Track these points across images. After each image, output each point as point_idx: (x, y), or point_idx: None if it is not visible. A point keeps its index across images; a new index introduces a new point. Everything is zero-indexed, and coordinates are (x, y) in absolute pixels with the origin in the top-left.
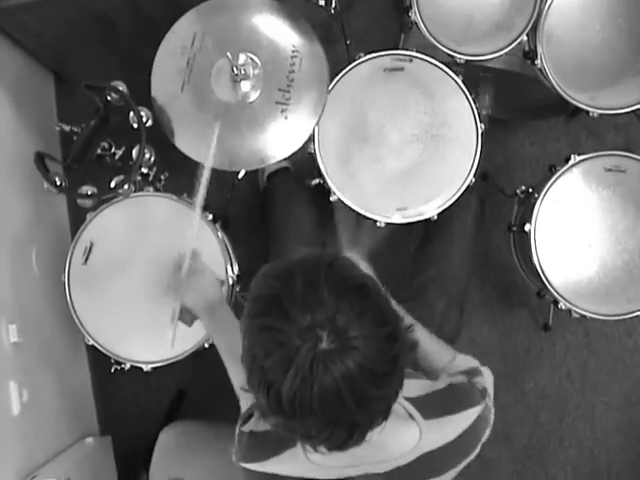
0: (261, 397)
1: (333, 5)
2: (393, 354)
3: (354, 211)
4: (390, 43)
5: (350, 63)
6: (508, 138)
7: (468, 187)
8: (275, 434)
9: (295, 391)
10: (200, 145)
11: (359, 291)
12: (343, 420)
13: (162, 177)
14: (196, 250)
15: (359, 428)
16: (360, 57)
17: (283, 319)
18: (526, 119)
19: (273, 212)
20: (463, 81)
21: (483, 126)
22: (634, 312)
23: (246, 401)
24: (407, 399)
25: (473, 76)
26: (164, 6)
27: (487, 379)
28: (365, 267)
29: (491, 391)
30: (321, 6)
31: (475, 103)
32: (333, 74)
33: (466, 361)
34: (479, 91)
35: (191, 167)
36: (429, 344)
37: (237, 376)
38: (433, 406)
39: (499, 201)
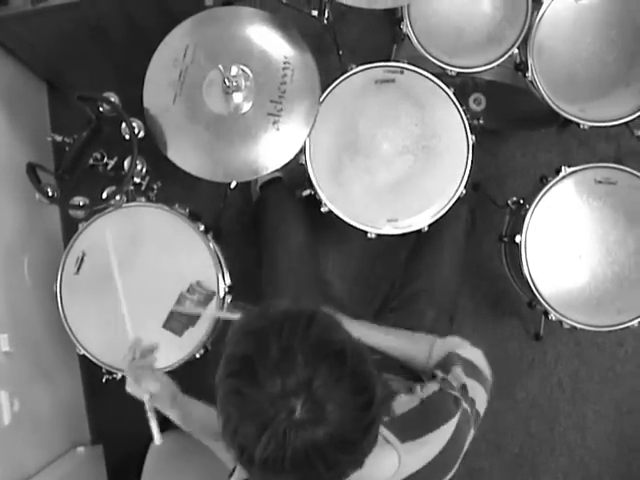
0: (235, 454)
1: (326, 16)
2: (367, 421)
3: (345, 222)
4: (382, 53)
5: (342, 74)
6: (500, 148)
7: (459, 198)
8: None
9: (268, 455)
10: (192, 157)
11: (336, 357)
12: (314, 478)
13: (155, 186)
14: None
15: None
16: (352, 68)
17: (254, 385)
18: (517, 129)
19: (265, 223)
20: (454, 93)
21: (474, 138)
22: (624, 323)
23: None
24: (382, 423)
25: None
26: (157, 16)
27: (472, 356)
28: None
29: (480, 365)
30: (314, 16)
31: (466, 114)
32: (325, 84)
33: (445, 345)
34: (471, 98)
35: (184, 177)
36: (404, 343)
37: (215, 447)
38: (408, 427)
39: (490, 210)
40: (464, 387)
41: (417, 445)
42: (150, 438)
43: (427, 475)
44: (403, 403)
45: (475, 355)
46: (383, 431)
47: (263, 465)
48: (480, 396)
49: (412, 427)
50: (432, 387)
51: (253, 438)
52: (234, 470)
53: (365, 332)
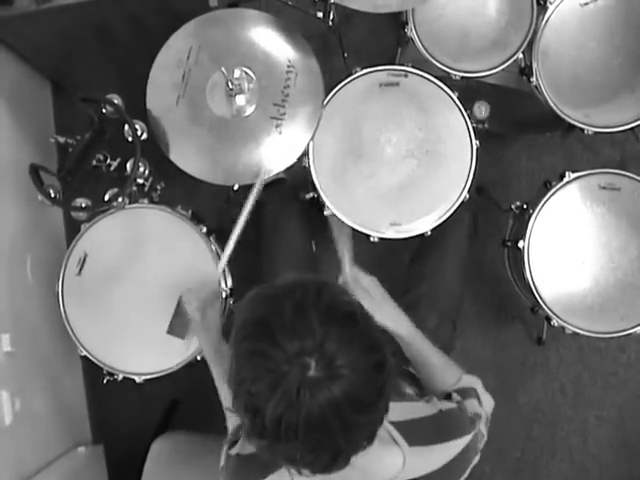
0: (246, 420)
1: (331, 17)
2: (380, 382)
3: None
4: (387, 56)
5: (346, 77)
6: (504, 152)
7: (462, 203)
8: (262, 457)
9: (281, 416)
10: (194, 159)
11: (347, 319)
12: (327, 446)
13: (158, 187)
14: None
15: (343, 453)
16: (356, 71)
17: (271, 344)
18: (522, 133)
19: (266, 225)
20: (459, 97)
21: (478, 142)
22: (627, 330)
23: (233, 421)
24: (392, 423)
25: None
26: (161, 17)
27: (485, 403)
28: (368, 280)
29: (488, 414)
30: (319, 18)
31: (470, 119)
32: (329, 87)
33: (470, 383)
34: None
35: (187, 178)
36: (437, 363)
37: (227, 397)
38: (420, 433)
39: (494, 214)
40: (478, 416)
41: (425, 451)
42: (151, 437)
43: None
44: (419, 408)
45: (490, 406)
46: (392, 431)
47: (275, 428)
48: (485, 437)
49: (424, 433)
50: (450, 404)
51: (266, 396)
52: (234, 442)
53: (414, 329)
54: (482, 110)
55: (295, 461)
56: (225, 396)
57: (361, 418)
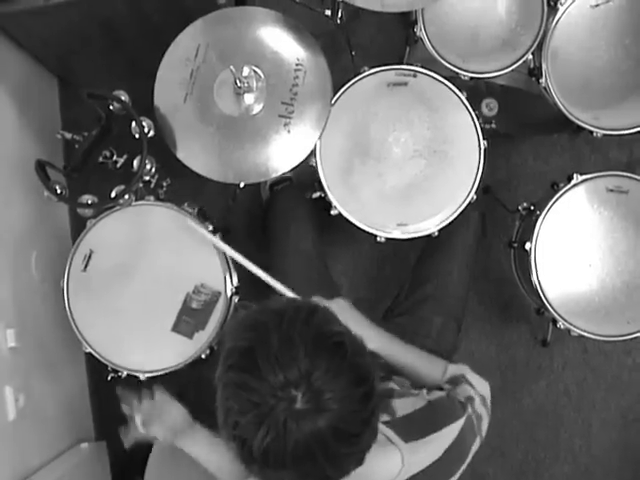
0: (234, 448)
1: (339, 15)
2: (367, 413)
3: (354, 225)
4: (395, 54)
5: (355, 75)
6: (511, 152)
7: (469, 204)
8: None
9: (268, 447)
10: (202, 157)
11: (336, 350)
12: (316, 474)
13: (164, 184)
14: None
15: (332, 478)
16: (365, 71)
17: (256, 377)
18: (530, 134)
19: (274, 224)
20: (467, 98)
21: (486, 143)
22: (633, 333)
23: None
24: (385, 423)
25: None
26: (168, 12)
27: (477, 384)
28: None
29: (487, 396)
30: (327, 16)
31: (478, 119)
32: (337, 84)
33: (457, 370)
34: (483, 103)
35: (193, 174)
36: (419, 364)
37: None
38: (413, 427)
39: (501, 214)
40: (470, 399)
41: (421, 445)
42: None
43: (431, 475)
44: (408, 404)
45: (483, 387)
46: (387, 431)
47: (263, 458)
48: (485, 418)
49: (417, 427)
50: (439, 393)
51: (253, 428)
52: None
53: (386, 342)
54: (491, 107)
55: None
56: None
57: (346, 448)
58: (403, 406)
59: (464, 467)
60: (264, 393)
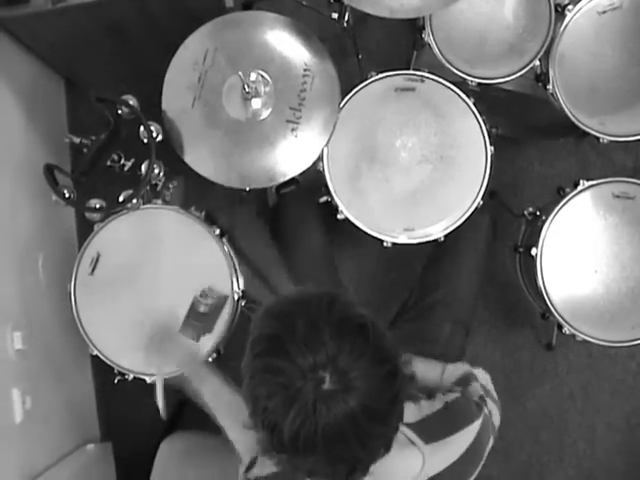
0: (264, 436)
1: (346, 19)
2: (393, 391)
3: (361, 229)
4: (402, 59)
5: (362, 80)
6: (517, 157)
7: (476, 209)
8: (280, 476)
9: (299, 431)
10: (209, 161)
11: (359, 332)
12: (345, 457)
13: (170, 186)
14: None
15: (361, 463)
16: (372, 76)
17: (285, 360)
18: (536, 139)
19: (284, 228)
20: (474, 103)
21: (493, 149)
22: (638, 339)
23: (242, 445)
24: (407, 425)
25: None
26: (176, 16)
27: (483, 380)
28: None
29: (490, 388)
30: (334, 19)
31: (485, 125)
32: (343, 88)
33: (457, 369)
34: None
35: (199, 176)
36: (419, 367)
37: (231, 428)
38: (432, 429)
39: (506, 219)
40: (482, 398)
41: (441, 446)
42: (160, 436)
43: (450, 476)
44: (425, 407)
45: (486, 379)
46: (408, 432)
47: (294, 442)
48: (494, 412)
49: (437, 428)
50: (454, 394)
51: (282, 412)
52: (251, 465)
53: None
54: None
55: (315, 473)
56: (230, 426)
57: (377, 427)
58: (422, 408)
59: (479, 469)
60: (292, 375)
